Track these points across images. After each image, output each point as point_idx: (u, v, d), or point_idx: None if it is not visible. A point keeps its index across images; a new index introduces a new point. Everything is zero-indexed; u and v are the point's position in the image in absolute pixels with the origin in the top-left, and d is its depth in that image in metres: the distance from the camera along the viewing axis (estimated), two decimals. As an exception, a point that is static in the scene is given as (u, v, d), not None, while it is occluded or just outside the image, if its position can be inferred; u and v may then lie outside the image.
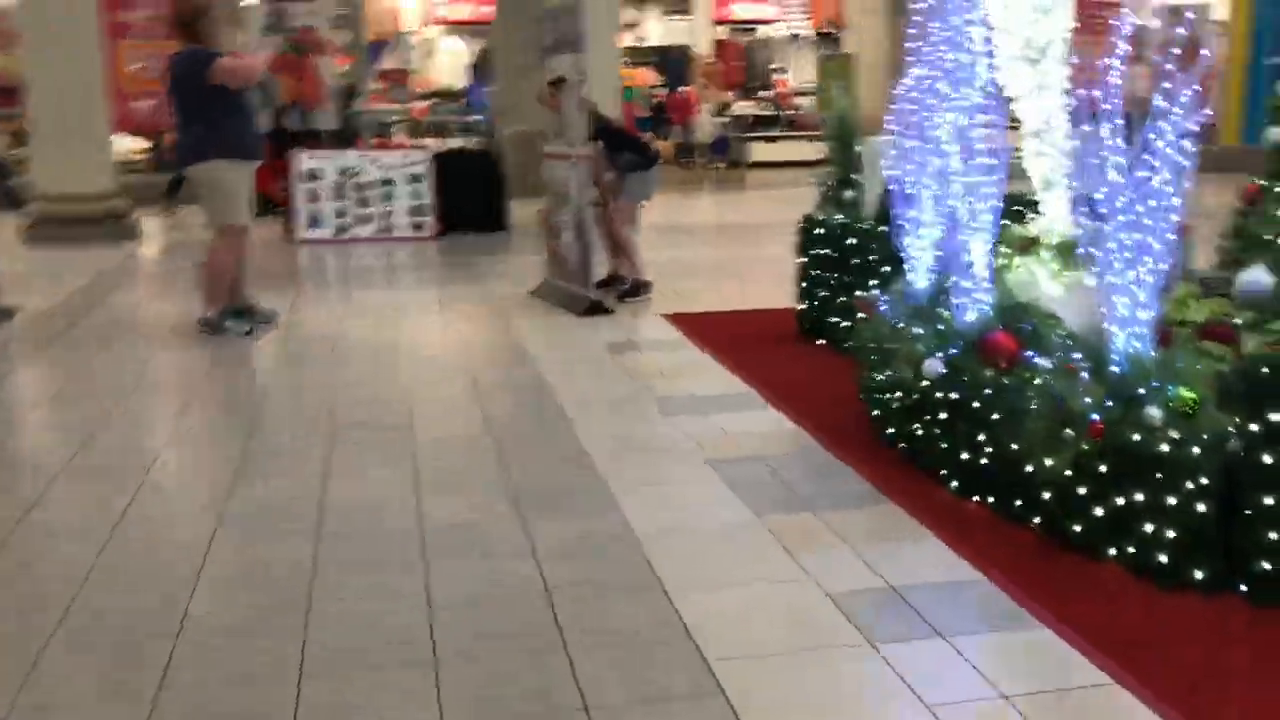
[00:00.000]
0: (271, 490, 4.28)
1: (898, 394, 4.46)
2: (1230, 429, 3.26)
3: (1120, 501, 3.41)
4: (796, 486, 4.21)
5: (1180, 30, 3.82)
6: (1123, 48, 3.57)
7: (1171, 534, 3.30)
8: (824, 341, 6.41)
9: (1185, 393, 3.46)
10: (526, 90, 10.05)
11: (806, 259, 6.56)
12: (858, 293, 5.21)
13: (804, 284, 6.62)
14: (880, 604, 3.24)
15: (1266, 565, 3.17)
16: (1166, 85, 3.44)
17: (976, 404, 3.96)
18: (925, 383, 4.23)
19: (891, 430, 4.57)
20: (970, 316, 4.24)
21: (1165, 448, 3.28)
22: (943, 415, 4.14)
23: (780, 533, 3.77)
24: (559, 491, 4.21)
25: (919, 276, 4.93)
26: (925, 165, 4.84)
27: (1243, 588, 3.22)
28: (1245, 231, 7.37)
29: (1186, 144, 3.42)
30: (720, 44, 23.26)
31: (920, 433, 4.30)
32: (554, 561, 3.54)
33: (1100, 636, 3.00)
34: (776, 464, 4.47)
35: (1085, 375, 3.58)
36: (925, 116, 4.73)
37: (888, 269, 5.68)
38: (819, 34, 22.65)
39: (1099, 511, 3.47)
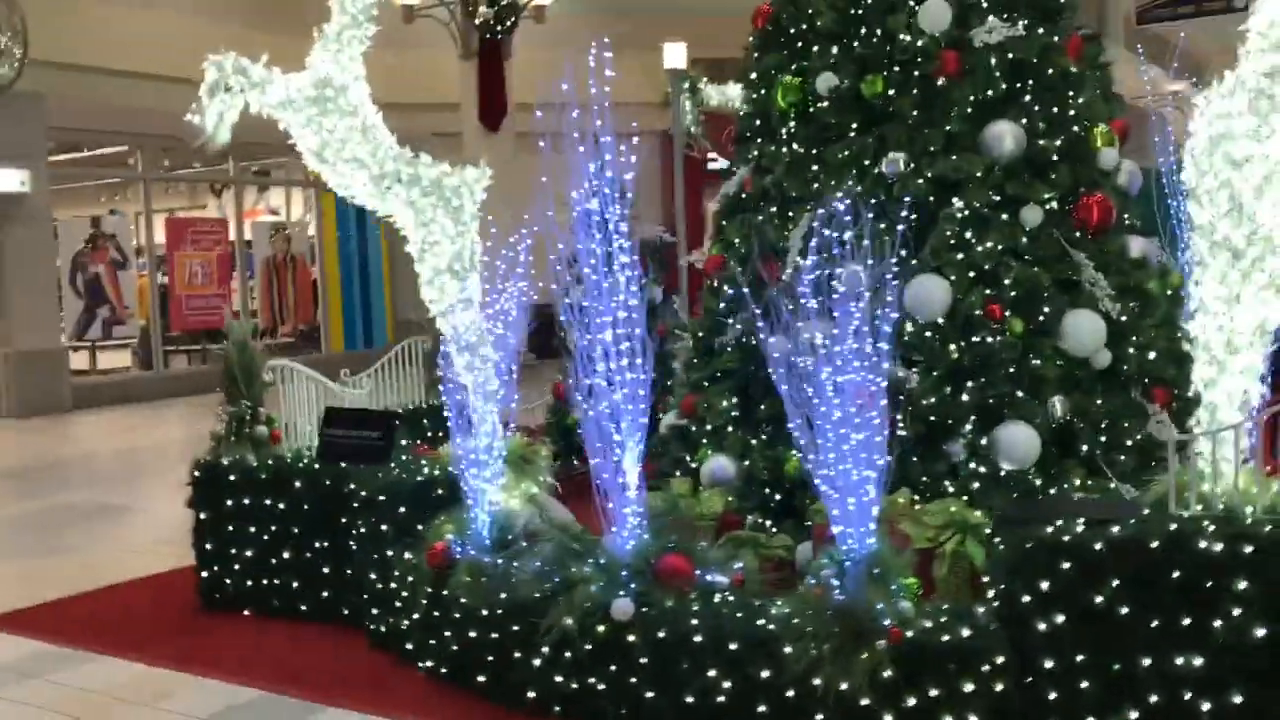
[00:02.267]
0: None
1: (546, 648, 3.84)
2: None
3: (913, 702, 3.38)
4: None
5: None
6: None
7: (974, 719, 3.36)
8: (249, 611, 5.25)
9: (908, 580, 3.59)
10: None
11: (210, 513, 5.34)
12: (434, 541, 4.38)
13: (209, 544, 5.36)
14: None
15: (1052, 724, 3.40)
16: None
17: (700, 638, 3.59)
18: (604, 627, 3.72)
19: (539, 690, 3.90)
20: (630, 544, 3.87)
21: (966, 634, 3.35)
22: (643, 660, 3.68)
23: None
24: None
25: (483, 511, 4.37)
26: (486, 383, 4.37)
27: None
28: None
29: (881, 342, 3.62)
30: None
31: (602, 687, 3.75)
32: None
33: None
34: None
35: (834, 581, 3.50)
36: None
37: (361, 508, 4.88)
38: None
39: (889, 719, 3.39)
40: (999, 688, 3.36)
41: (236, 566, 5.28)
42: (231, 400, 5.37)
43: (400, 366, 7.36)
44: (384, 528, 4.72)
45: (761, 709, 3.53)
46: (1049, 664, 3.38)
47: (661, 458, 5.74)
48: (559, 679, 3.85)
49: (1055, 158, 5.23)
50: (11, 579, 6.19)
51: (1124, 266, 5.28)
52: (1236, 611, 3.27)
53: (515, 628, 3.95)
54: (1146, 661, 3.34)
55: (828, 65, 5.48)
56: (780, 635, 3.49)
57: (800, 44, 5.73)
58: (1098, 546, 3.36)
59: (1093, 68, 5.57)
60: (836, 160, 5.42)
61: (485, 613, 4.05)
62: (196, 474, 5.37)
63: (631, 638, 3.69)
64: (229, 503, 5.26)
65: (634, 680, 3.71)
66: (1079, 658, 3.37)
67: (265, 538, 5.19)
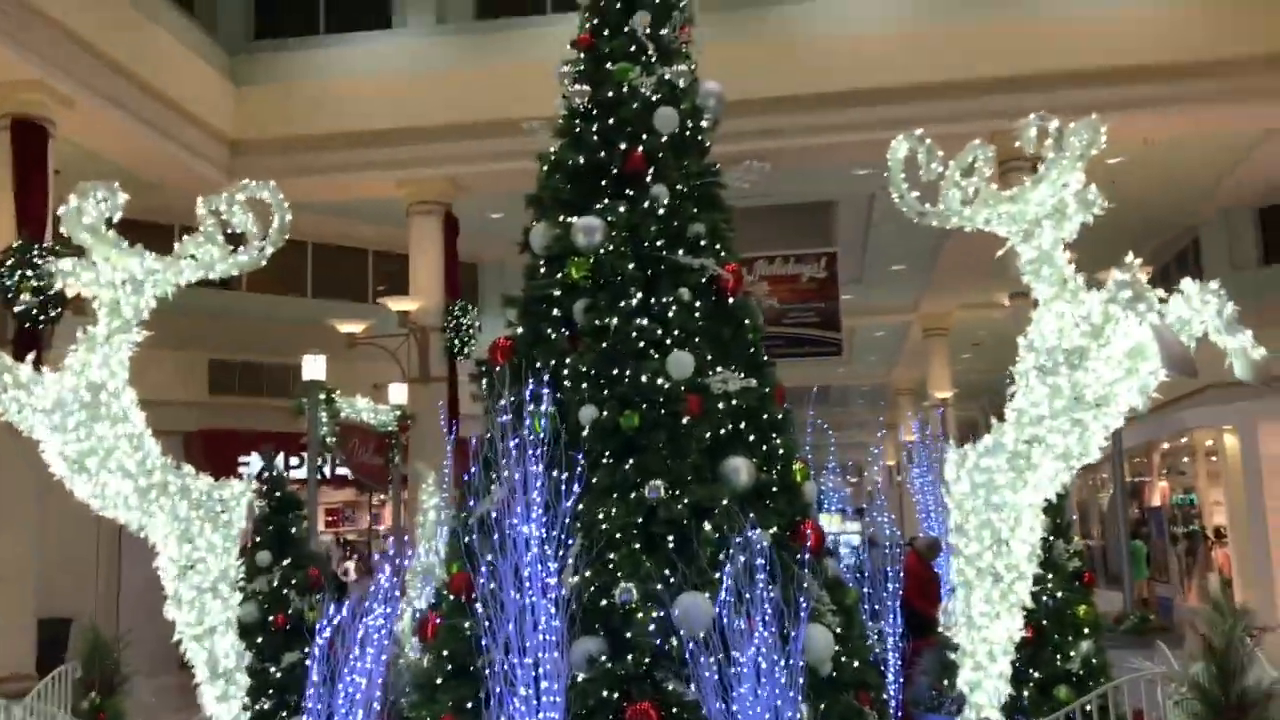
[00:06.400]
0: None
1: None
2: None
3: None
4: None
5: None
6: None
7: None
8: None
9: None
10: None
11: None
12: None
13: None
14: None
15: None
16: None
17: None
18: None
19: None
20: None
21: None
22: None
23: None
24: None
25: None
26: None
27: None
28: None
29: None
30: None
31: None
32: None
33: None
34: None
35: None
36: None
37: None
38: None
39: None
40: None
41: None
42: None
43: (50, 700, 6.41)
44: None
45: None
46: None
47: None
48: None
49: (775, 489, 6.12)
50: None
51: (831, 584, 6.19)
52: None
53: None
54: None
55: (587, 400, 6.04)
56: None
57: (548, 377, 6.26)
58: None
59: (786, 414, 6.64)
60: (599, 486, 5.91)
61: None
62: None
63: None
64: None
65: None
66: None
67: None
